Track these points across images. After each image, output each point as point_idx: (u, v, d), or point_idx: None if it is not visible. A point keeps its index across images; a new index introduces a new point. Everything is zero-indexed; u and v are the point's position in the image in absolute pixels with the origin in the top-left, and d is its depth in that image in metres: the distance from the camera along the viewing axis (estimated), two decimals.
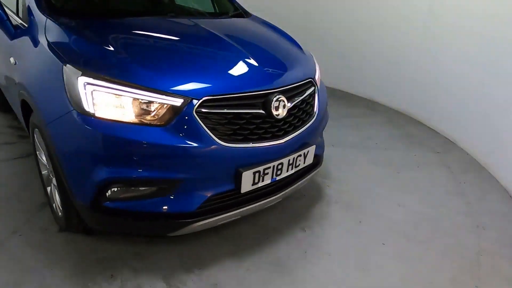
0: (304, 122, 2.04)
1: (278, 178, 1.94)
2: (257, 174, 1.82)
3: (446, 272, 2.03)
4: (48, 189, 2.16)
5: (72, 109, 1.61)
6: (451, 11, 3.59)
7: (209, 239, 2.13)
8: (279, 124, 1.87)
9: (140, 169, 1.63)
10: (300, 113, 2.01)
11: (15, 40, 2.16)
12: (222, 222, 1.91)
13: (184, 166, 1.68)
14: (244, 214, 1.98)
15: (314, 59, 2.43)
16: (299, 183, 2.15)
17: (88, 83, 1.60)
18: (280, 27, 2.67)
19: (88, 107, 1.59)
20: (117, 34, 1.97)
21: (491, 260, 2.13)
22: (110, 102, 1.60)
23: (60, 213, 2.03)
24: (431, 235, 2.31)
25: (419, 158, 3.28)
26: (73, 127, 1.62)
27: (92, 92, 1.59)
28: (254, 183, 1.83)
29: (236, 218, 1.94)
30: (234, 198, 1.84)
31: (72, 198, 1.78)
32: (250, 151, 1.78)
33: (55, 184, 1.95)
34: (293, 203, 2.52)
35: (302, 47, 2.45)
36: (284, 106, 1.86)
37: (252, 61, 1.92)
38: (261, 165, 1.82)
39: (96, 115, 1.59)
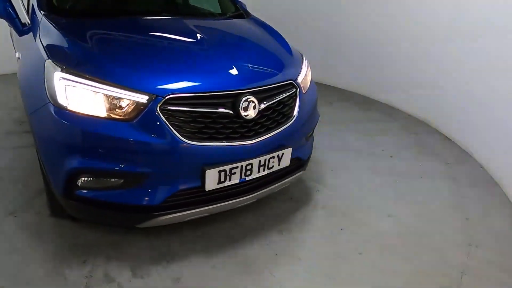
0: (279, 124, 2.02)
1: (248, 178, 1.94)
2: (222, 173, 1.83)
3: None
4: None
5: (48, 101, 1.73)
6: (475, 18, 3.37)
7: (184, 234, 2.18)
8: (249, 125, 1.88)
9: (106, 161, 1.72)
10: (275, 115, 2.00)
11: (22, 37, 2.35)
12: (190, 218, 1.96)
13: (148, 161, 1.74)
14: (213, 212, 2.01)
15: (304, 61, 2.39)
16: (275, 185, 2.14)
17: (63, 78, 1.71)
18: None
19: (61, 100, 1.70)
20: (100, 33, 2.07)
21: (474, 281, 1.99)
22: (81, 96, 1.70)
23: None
24: (415, 249, 2.20)
25: (425, 168, 3.12)
26: (48, 119, 1.73)
27: (65, 86, 1.70)
28: (220, 182, 1.85)
29: (204, 215, 1.98)
30: (199, 195, 1.87)
31: (50, 185, 1.91)
32: (215, 150, 1.80)
33: None
34: (277, 205, 2.51)
35: (291, 49, 2.42)
36: (254, 107, 1.86)
37: (225, 62, 1.94)
38: (228, 165, 1.84)
39: (69, 108, 1.69)
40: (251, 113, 1.85)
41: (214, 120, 1.79)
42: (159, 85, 1.72)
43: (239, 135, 1.86)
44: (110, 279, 1.87)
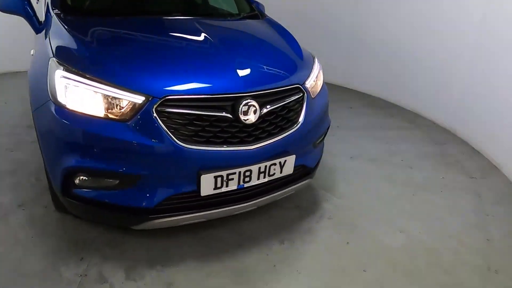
0: (283, 130, 1.94)
1: (246, 185, 1.87)
2: (219, 179, 1.78)
3: None
4: None
5: (49, 99, 1.74)
6: (505, 23, 3.12)
7: (183, 238, 2.14)
8: (249, 129, 1.80)
9: (102, 161, 1.70)
10: (278, 120, 1.91)
11: (37, 35, 2.40)
12: (186, 223, 1.92)
13: (143, 163, 1.71)
14: (210, 218, 1.96)
15: (316, 65, 2.29)
16: (277, 193, 2.06)
17: (63, 76, 1.71)
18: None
19: (61, 98, 1.70)
20: (105, 33, 2.07)
21: None
22: (79, 95, 1.70)
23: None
24: (426, 269, 2.04)
25: (447, 181, 2.92)
26: (48, 116, 1.75)
27: (65, 85, 1.70)
28: (216, 188, 1.80)
29: (201, 220, 1.93)
30: (194, 200, 1.82)
31: (50, 182, 1.93)
32: (212, 154, 1.74)
33: None
34: (282, 213, 2.42)
35: (302, 52, 2.32)
36: (255, 112, 1.79)
37: (227, 63, 1.88)
38: (225, 170, 1.77)
39: (67, 106, 1.69)
40: (251, 118, 1.78)
41: (212, 124, 1.74)
42: (156, 86, 1.69)
43: (238, 140, 1.79)
44: (103, 279, 1.86)
